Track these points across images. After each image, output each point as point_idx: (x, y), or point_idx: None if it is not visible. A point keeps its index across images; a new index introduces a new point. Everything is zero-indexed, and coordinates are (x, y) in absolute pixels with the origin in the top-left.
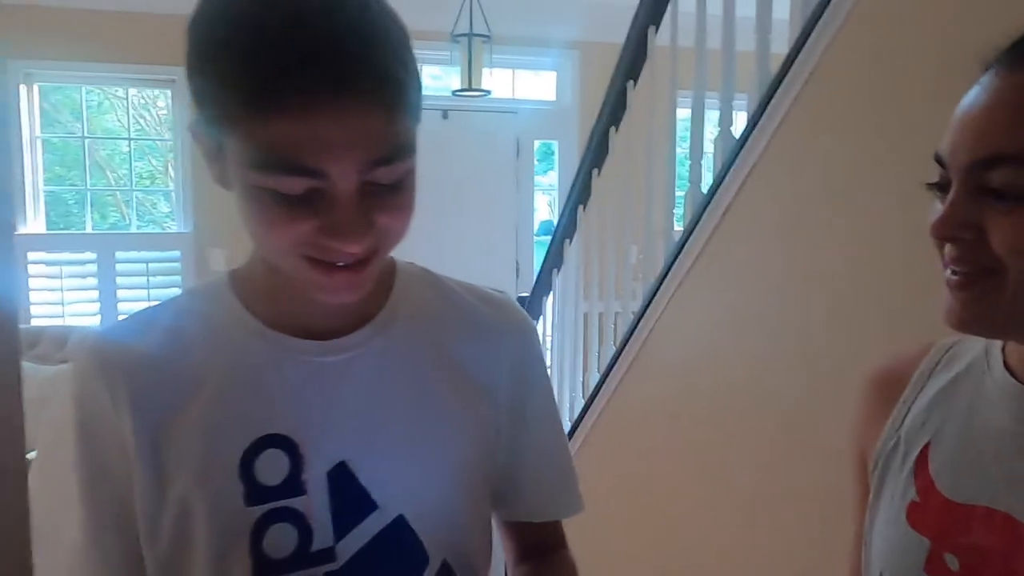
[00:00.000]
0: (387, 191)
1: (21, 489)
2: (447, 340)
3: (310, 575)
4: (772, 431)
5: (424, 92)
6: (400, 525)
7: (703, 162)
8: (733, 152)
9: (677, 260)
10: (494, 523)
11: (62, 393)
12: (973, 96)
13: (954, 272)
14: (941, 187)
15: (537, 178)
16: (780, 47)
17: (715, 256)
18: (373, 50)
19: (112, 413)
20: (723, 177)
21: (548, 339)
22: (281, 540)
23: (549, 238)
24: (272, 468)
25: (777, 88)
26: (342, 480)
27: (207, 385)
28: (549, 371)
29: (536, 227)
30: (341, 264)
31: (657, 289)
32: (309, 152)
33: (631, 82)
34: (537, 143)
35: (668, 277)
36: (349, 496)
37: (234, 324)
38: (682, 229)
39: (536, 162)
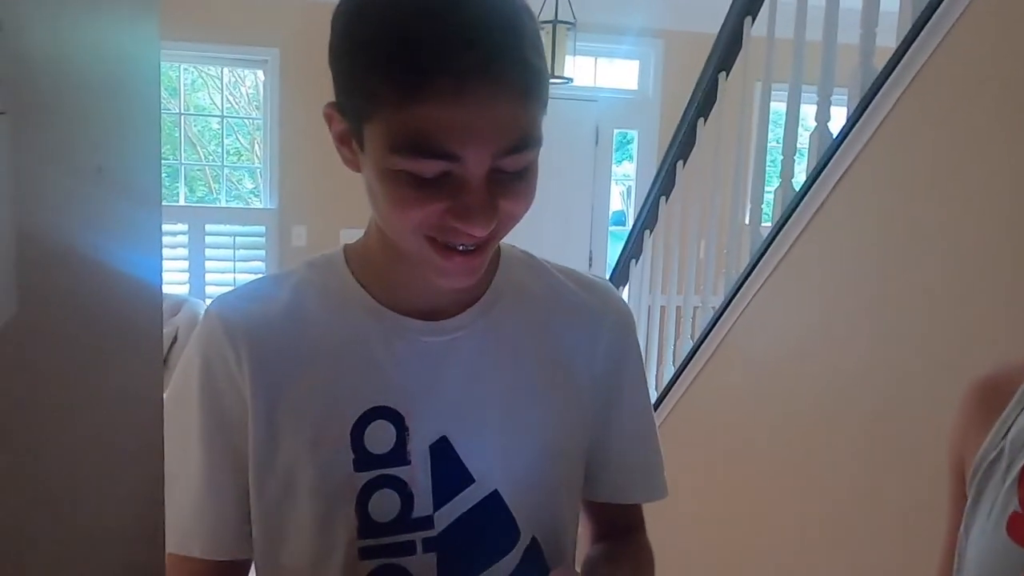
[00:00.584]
0: (511, 178)
1: (157, 437)
2: (546, 323)
3: (410, 539)
4: (858, 436)
5: None
6: (495, 500)
7: (795, 158)
8: (830, 150)
9: (764, 257)
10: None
11: (187, 351)
12: None
13: None
14: None
15: (612, 168)
16: (884, 40)
17: (804, 255)
18: (517, 39)
19: (235, 371)
20: (817, 175)
21: None
22: (385, 505)
23: (621, 228)
24: (380, 438)
25: (882, 85)
26: (443, 453)
27: (322, 356)
28: None
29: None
30: (461, 248)
31: (741, 285)
32: (451, 136)
33: (723, 73)
34: (616, 132)
35: (753, 273)
36: (448, 468)
37: (348, 299)
38: (770, 226)
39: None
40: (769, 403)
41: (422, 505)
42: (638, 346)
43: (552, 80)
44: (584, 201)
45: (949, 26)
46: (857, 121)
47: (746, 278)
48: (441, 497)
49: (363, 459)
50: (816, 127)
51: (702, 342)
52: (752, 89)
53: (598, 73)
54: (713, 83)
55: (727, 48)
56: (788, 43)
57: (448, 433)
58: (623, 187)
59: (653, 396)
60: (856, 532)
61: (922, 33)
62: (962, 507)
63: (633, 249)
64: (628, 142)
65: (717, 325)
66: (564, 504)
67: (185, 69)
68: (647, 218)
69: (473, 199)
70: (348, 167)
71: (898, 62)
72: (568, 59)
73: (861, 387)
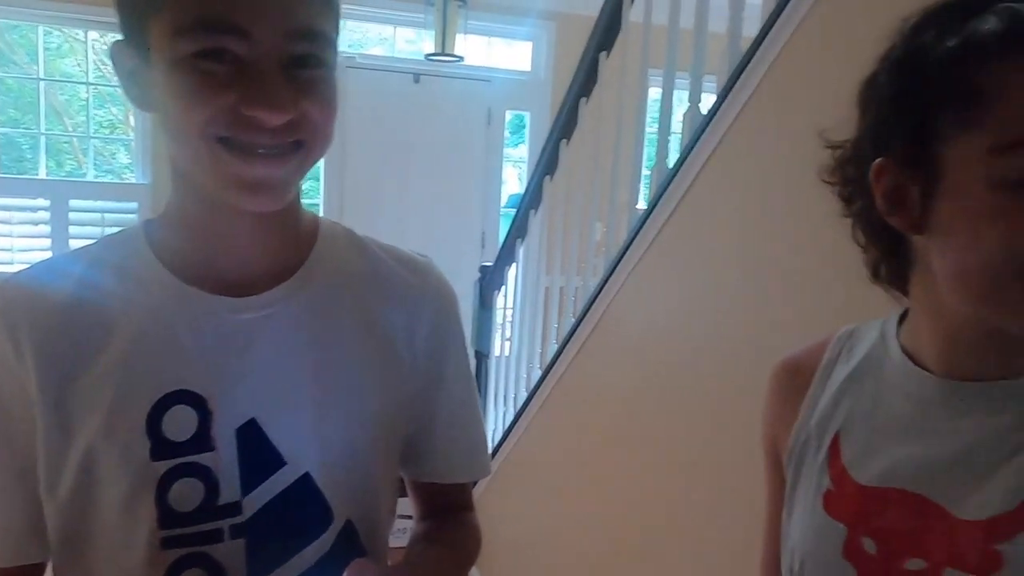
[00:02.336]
0: (310, 82)
1: None
2: (365, 301)
3: (216, 527)
4: (721, 410)
5: (397, 55)
6: (306, 482)
7: (671, 141)
8: (699, 129)
9: (638, 235)
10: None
11: None
12: None
13: None
14: None
15: (508, 151)
16: (752, 30)
17: (676, 233)
18: None
19: (15, 362)
20: (688, 153)
21: (509, 310)
22: (187, 494)
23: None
24: (180, 424)
25: (745, 67)
26: (251, 437)
27: (117, 339)
28: (509, 342)
29: (505, 200)
30: (262, 152)
31: (617, 264)
32: (238, 8)
33: (603, 53)
34: (509, 114)
35: (628, 252)
36: (257, 452)
37: (147, 278)
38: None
39: (508, 134)
40: (640, 378)
41: (229, 491)
42: (460, 324)
43: (443, 58)
44: (476, 182)
45: (802, 16)
46: (723, 101)
47: (621, 257)
48: (249, 482)
49: (160, 447)
50: (688, 107)
51: (581, 320)
52: (631, 71)
53: (491, 54)
54: (594, 62)
55: (607, 27)
56: (664, 29)
57: (257, 415)
58: (520, 170)
59: (536, 374)
60: (724, 503)
61: (778, 20)
62: (781, 490)
63: (519, 229)
64: (523, 126)
65: (595, 303)
66: (380, 485)
67: (47, 32)
68: (532, 197)
69: (267, 82)
70: (142, 108)
71: (758, 46)
72: (460, 37)
73: (724, 364)
